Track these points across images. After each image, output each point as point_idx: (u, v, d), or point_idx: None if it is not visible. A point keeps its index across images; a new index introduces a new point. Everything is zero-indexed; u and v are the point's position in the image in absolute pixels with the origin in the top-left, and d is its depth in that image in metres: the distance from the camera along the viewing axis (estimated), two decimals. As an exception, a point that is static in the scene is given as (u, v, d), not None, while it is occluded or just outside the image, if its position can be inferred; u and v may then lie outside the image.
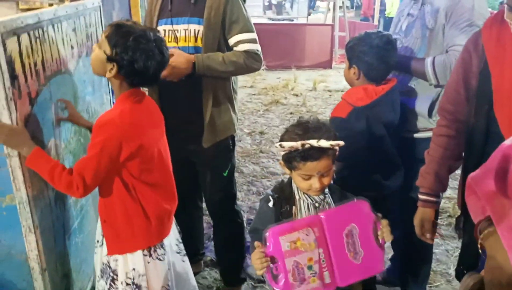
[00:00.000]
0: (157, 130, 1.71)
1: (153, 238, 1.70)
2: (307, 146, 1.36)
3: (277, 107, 6.03)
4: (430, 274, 2.33)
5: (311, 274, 1.36)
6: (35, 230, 1.53)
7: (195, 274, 2.58)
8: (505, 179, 0.92)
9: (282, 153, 1.43)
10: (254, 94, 6.68)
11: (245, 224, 2.84)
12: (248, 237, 2.94)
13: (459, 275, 1.65)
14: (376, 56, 1.85)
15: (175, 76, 1.94)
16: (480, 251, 0.96)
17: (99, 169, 1.49)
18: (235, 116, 2.18)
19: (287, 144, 1.37)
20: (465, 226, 1.62)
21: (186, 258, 1.92)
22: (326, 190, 1.51)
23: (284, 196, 1.50)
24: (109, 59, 1.50)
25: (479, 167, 1.10)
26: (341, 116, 1.85)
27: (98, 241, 1.76)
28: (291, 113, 5.76)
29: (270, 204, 1.50)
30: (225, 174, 2.19)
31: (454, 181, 3.77)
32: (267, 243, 1.34)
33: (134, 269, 1.66)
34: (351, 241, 1.38)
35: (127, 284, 1.67)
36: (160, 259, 1.72)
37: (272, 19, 12.07)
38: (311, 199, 1.48)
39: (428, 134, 2.02)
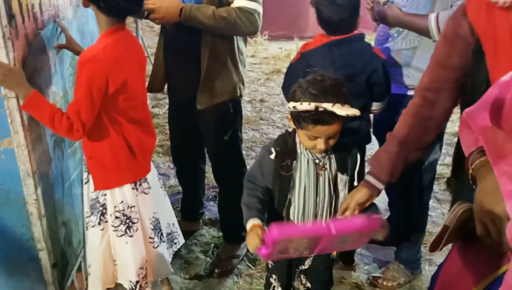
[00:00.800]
0: (138, 67, 1.71)
1: (139, 172, 1.74)
2: (320, 109, 1.32)
3: (278, 77, 5.98)
4: (424, 236, 2.35)
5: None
6: (34, 175, 1.55)
7: (194, 231, 2.62)
8: (499, 112, 0.92)
9: (292, 109, 1.39)
10: (256, 64, 6.61)
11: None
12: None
13: None
14: (322, 8, 1.77)
15: (163, 20, 1.90)
16: (471, 181, 0.97)
17: (93, 107, 1.51)
18: (238, 80, 2.09)
19: (301, 107, 1.33)
20: (456, 187, 1.62)
21: (165, 192, 1.97)
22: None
23: (286, 150, 1.49)
24: None
25: (474, 104, 1.09)
26: (291, 62, 1.89)
27: (82, 180, 1.79)
28: (292, 82, 5.72)
29: (272, 156, 1.48)
30: (225, 138, 2.15)
31: (452, 149, 3.77)
32: (268, 232, 1.29)
33: (122, 201, 1.70)
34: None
35: (116, 217, 1.70)
36: (145, 193, 1.77)
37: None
38: (312, 155, 1.47)
39: None
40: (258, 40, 7.74)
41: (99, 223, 1.73)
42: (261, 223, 1.40)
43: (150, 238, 1.81)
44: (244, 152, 3.82)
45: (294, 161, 1.48)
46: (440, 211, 2.92)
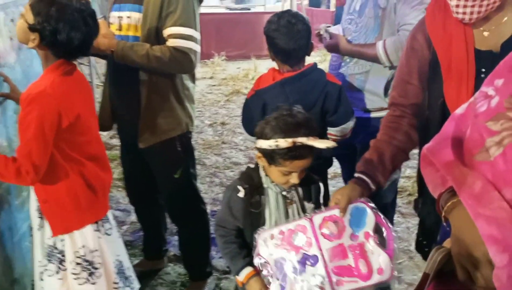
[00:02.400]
0: (89, 100, 1.65)
1: (100, 211, 1.66)
2: (298, 144, 1.30)
3: (238, 97, 5.97)
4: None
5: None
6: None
7: (159, 270, 2.53)
8: (461, 148, 0.91)
9: (264, 147, 1.36)
10: (214, 85, 6.59)
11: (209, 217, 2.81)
12: (212, 231, 2.90)
13: (419, 247, 1.66)
14: (277, 36, 1.76)
15: (95, 51, 1.82)
16: (444, 223, 0.95)
17: (46, 146, 1.42)
18: (184, 116, 2.02)
19: (281, 144, 1.30)
20: (423, 204, 1.63)
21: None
22: None
23: (254, 186, 1.45)
24: (31, 28, 1.42)
25: (432, 139, 1.10)
26: (247, 97, 1.86)
27: (32, 228, 1.67)
28: (252, 102, 5.71)
29: (241, 194, 1.45)
30: (176, 176, 2.06)
31: (413, 161, 3.85)
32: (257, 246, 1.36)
33: (83, 246, 1.60)
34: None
35: (77, 263, 1.60)
36: (108, 234, 1.68)
37: (230, 9, 11.95)
38: (279, 188, 1.44)
39: (383, 113, 2.05)
40: (215, 61, 7.74)
41: (57, 272, 1.62)
42: (254, 269, 1.41)
43: (114, 283, 1.71)
44: (207, 179, 3.79)
45: (263, 197, 1.45)
46: (404, 226, 2.95)
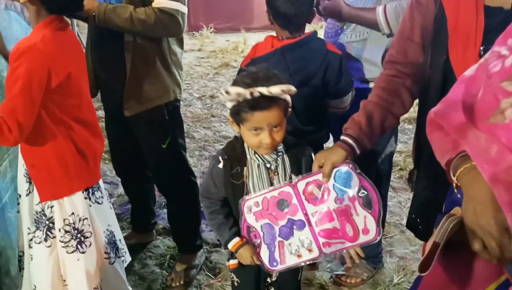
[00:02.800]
0: (81, 62, 1.57)
1: (91, 179, 1.59)
2: (256, 94, 1.25)
3: (227, 70, 5.84)
4: (385, 226, 2.35)
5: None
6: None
7: (148, 243, 2.47)
8: (472, 111, 0.85)
9: (230, 105, 1.32)
10: (203, 58, 6.43)
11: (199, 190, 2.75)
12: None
13: (411, 224, 1.61)
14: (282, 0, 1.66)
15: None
16: (455, 191, 0.89)
17: (31, 103, 1.33)
18: (171, 82, 1.92)
19: (234, 90, 1.25)
20: (418, 178, 1.58)
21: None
22: (280, 148, 1.40)
23: (235, 156, 1.40)
24: None
25: (440, 102, 1.03)
26: (241, 66, 1.75)
27: (20, 195, 1.60)
28: (241, 75, 5.60)
29: (220, 165, 1.40)
30: (164, 146, 1.97)
31: (403, 135, 3.83)
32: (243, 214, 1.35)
33: (73, 213, 1.54)
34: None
35: (66, 231, 1.54)
36: (99, 203, 1.63)
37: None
38: (262, 159, 1.38)
39: None
40: (204, 33, 7.55)
41: (45, 239, 1.55)
42: (241, 239, 1.40)
43: (106, 253, 1.66)
44: (197, 152, 3.72)
45: (245, 168, 1.39)
46: (396, 200, 2.93)
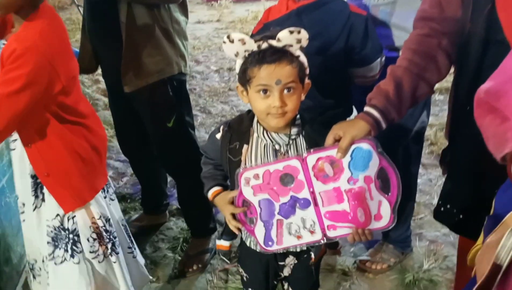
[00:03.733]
0: (71, 53, 1.39)
1: (105, 174, 1.50)
2: (264, 45, 1.07)
3: (246, 41, 5.63)
4: (414, 208, 2.15)
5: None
6: None
7: (161, 225, 2.36)
8: None
9: (238, 65, 1.14)
10: (221, 28, 6.19)
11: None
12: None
13: (441, 213, 1.41)
14: None
15: None
16: None
17: (17, 111, 1.18)
18: (174, 54, 1.74)
19: (237, 36, 1.07)
20: (452, 161, 1.38)
21: None
22: (295, 130, 1.18)
23: (238, 130, 1.22)
24: None
25: (490, 78, 0.82)
26: (252, 32, 1.55)
27: (24, 206, 1.45)
28: (261, 46, 5.36)
29: (218, 135, 1.24)
30: (169, 124, 1.80)
31: (434, 107, 3.56)
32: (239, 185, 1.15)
33: (101, 217, 1.42)
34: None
35: (94, 239, 1.42)
36: (112, 199, 1.53)
37: None
38: (271, 139, 1.18)
39: None
40: (223, 3, 7.29)
41: (72, 256, 1.41)
42: (221, 188, 1.27)
43: (128, 248, 1.58)
44: (213, 128, 3.56)
45: (245, 145, 1.20)
46: (426, 178, 2.72)
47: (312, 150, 1.12)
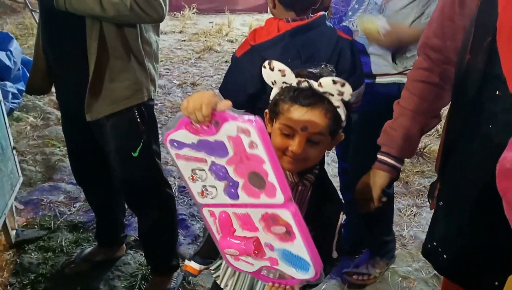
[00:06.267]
0: None
1: None
2: (304, 84, 0.98)
3: (210, 55, 5.47)
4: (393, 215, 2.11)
5: None
6: None
7: (117, 259, 2.15)
8: None
9: (274, 93, 1.06)
10: (184, 40, 6.03)
11: (176, 197, 2.42)
12: (181, 211, 2.51)
13: (427, 252, 1.34)
14: None
15: None
16: None
17: None
18: (144, 79, 1.58)
19: (279, 65, 0.98)
20: (441, 196, 1.30)
21: None
22: (308, 178, 1.08)
23: None
24: None
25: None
26: (237, 54, 1.46)
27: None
28: (226, 61, 5.23)
29: None
30: (135, 154, 1.64)
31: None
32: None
33: None
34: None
35: None
36: None
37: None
38: None
39: (391, 78, 1.71)
40: (186, 14, 7.15)
41: None
42: None
43: None
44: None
45: None
46: (395, 207, 2.66)
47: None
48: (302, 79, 0.98)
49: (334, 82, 0.95)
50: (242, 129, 0.80)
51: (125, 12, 1.39)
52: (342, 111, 1.01)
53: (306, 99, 0.97)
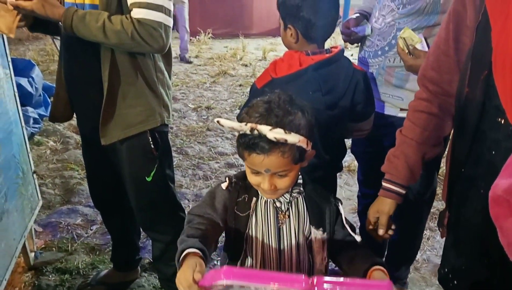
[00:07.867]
0: None
1: None
2: (255, 132, 1.00)
3: (225, 79, 5.58)
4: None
5: None
6: None
7: (131, 282, 2.19)
8: None
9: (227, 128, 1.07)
10: (200, 65, 6.17)
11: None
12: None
13: (443, 280, 1.35)
14: (313, 9, 1.42)
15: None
16: None
17: None
18: (157, 105, 1.64)
19: (227, 123, 1.00)
20: (450, 224, 1.32)
21: None
22: (297, 190, 1.16)
23: (244, 183, 1.16)
24: None
25: (505, 175, 0.75)
26: (257, 85, 1.48)
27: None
28: (240, 85, 5.34)
29: (224, 185, 1.15)
30: (148, 179, 1.68)
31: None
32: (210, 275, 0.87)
33: None
34: None
35: None
36: None
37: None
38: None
39: None
40: (201, 39, 7.31)
41: None
42: (198, 251, 0.96)
43: None
44: (190, 171, 3.43)
45: (254, 199, 1.14)
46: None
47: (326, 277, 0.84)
48: (254, 126, 1.01)
49: (276, 138, 0.98)
50: (224, 286, 0.82)
51: (127, 40, 1.45)
52: (303, 142, 1.04)
53: (261, 148, 1.01)
